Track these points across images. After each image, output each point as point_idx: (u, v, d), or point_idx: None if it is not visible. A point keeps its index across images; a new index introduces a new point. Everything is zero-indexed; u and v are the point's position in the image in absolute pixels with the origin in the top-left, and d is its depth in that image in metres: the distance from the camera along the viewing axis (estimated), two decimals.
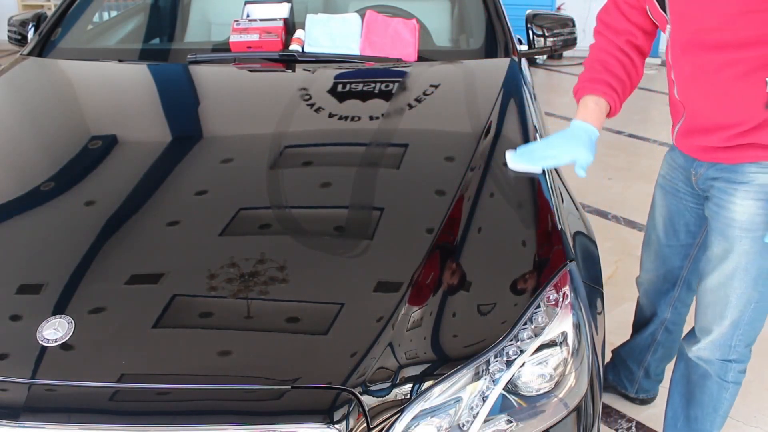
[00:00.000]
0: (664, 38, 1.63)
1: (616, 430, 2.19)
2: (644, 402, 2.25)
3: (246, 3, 2.32)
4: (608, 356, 2.26)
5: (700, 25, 1.45)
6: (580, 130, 1.62)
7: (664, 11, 1.52)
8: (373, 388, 1.13)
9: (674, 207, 1.81)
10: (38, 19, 2.58)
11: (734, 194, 1.56)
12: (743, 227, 1.55)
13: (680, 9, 1.48)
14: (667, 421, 1.93)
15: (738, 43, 1.42)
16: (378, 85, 1.97)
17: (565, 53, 6.91)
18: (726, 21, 1.41)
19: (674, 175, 1.78)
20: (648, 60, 1.77)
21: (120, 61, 2.22)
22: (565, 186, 1.73)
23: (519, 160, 1.57)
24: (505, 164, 1.58)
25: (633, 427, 2.20)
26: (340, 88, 2.00)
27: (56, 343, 1.15)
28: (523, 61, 2.25)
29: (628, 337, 2.19)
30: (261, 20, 2.22)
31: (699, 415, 1.83)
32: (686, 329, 2.07)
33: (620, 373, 2.23)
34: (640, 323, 2.11)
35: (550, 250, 1.39)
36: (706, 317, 1.71)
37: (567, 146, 1.59)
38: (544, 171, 1.61)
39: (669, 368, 2.04)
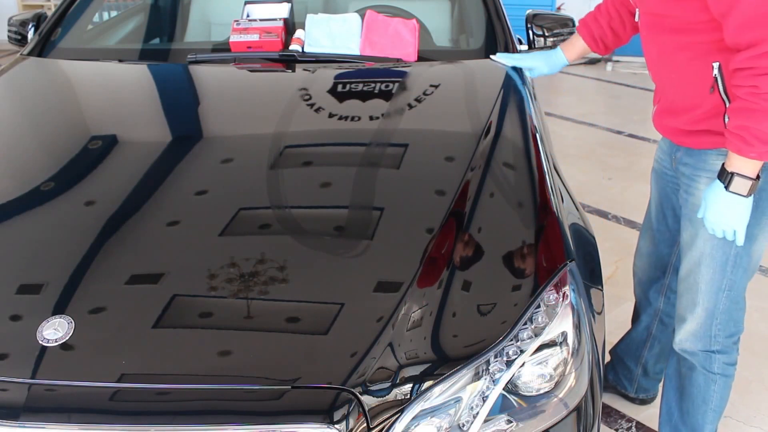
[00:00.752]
0: None
1: (616, 430, 2.20)
2: (644, 402, 2.25)
3: (246, 3, 2.32)
4: (607, 357, 2.26)
5: (650, 9, 1.58)
6: (553, 52, 2.06)
7: None
8: (373, 388, 1.13)
9: (662, 191, 1.86)
10: (38, 19, 2.57)
11: (698, 180, 1.62)
12: None
13: None
14: (662, 416, 1.94)
15: (684, 28, 1.50)
16: (378, 85, 1.97)
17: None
18: (667, 6, 1.51)
19: (663, 158, 1.84)
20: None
21: (120, 61, 2.22)
22: (565, 186, 1.73)
23: (501, 57, 2.09)
24: (506, 164, 1.58)
25: (633, 427, 2.20)
26: (340, 88, 2.00)
27: (56, 343, 1.15)
28: None
29: None
30: (261, 20, 2.22)
31: (690, 409, 1.84)
32: None
33: (619, 373, 2.24)
34: (636, 315, 2.14)
35: (550, 250, 1.39)
36: (680, 305, 1.75)
37: (534, 58, 2.07)
38: (545, 172, 1.61)
39: None
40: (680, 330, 1.76)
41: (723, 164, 1.47)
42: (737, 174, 1.44)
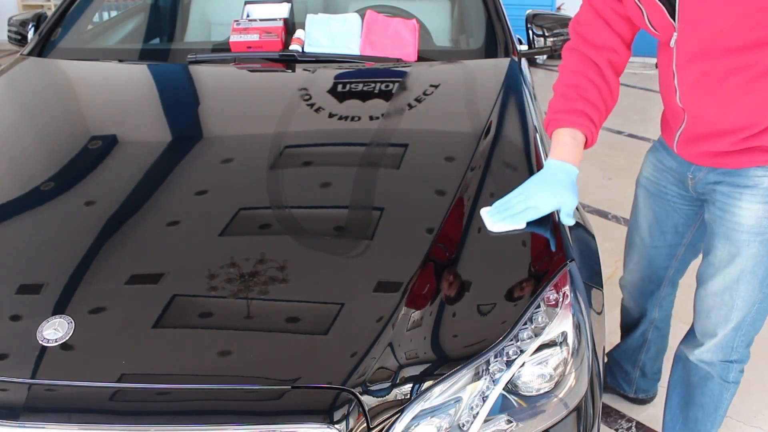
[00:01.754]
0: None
1: (616, 430, 2.19)
2: (644, 402, 2.25)
3: (246, 3, 2.33)
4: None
5: (713, 28, 1.38)
6: (559, 171, 1.48)
7: (673, 18, 1.42)
8: (373, 388, 1.13)
9: (661, 209, 1.78)
10: (38, 19, 2.58)
11: (740, 198, 1.52)
12: (751, 231, 1.52)
13: (692, 13, 1.40)
14: (666, 424, 1.92)
15: (750, 44, 1.37)
16: (378, 85, 1.97)
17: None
18: (740, 20, 1.35)
19: (662, 176, 1.74)
20: (647, 60, 1.77)
21: (120, 61, 2.22)
22: None
23: (498, 219, 1.42)
24: (506, 164, 1.57)
25: (633, 427, 2.20)
26: (340, 88, 2.00)
27: (56, 343, 1.15)
28: (523, 61, 2.25)
29: None
30: (261, 20, 2.22)
31: (699, 416, 1.82)
32: (674, 324, 2.07)
33: (616, 375, 2.23)
34: (629, 325, 2.10)
35: (550, 250, 1.39)
36: (709, 320, 1.68)
37: (548, 193, 1.45)
38: None
39: (666, 367, 2.04)
40: (705, 344, 1.71)
41: None
42: None
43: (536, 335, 1.23)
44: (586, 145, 1.54)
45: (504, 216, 1.42)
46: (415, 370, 1.16)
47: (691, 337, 1.78)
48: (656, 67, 1.67)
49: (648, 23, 1.49)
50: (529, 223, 1.43)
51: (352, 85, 2.02)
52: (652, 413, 2.22)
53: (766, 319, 1.69)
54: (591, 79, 1.54)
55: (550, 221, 1.46)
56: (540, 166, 1.64)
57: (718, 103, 1.46)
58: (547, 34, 2.40)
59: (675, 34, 1.44)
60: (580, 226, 1.63)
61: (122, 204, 1.47)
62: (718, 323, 1.66)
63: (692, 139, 1.57)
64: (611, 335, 2.28)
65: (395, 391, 1.14)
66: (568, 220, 1.44)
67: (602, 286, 1.54)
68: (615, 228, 3.46)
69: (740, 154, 1.50)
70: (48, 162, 1.68)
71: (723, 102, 1.45)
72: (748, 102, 1.43)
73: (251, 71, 2.14)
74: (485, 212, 1.45)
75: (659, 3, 1.42)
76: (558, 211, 1.45)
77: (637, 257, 1.91)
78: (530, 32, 2.43)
